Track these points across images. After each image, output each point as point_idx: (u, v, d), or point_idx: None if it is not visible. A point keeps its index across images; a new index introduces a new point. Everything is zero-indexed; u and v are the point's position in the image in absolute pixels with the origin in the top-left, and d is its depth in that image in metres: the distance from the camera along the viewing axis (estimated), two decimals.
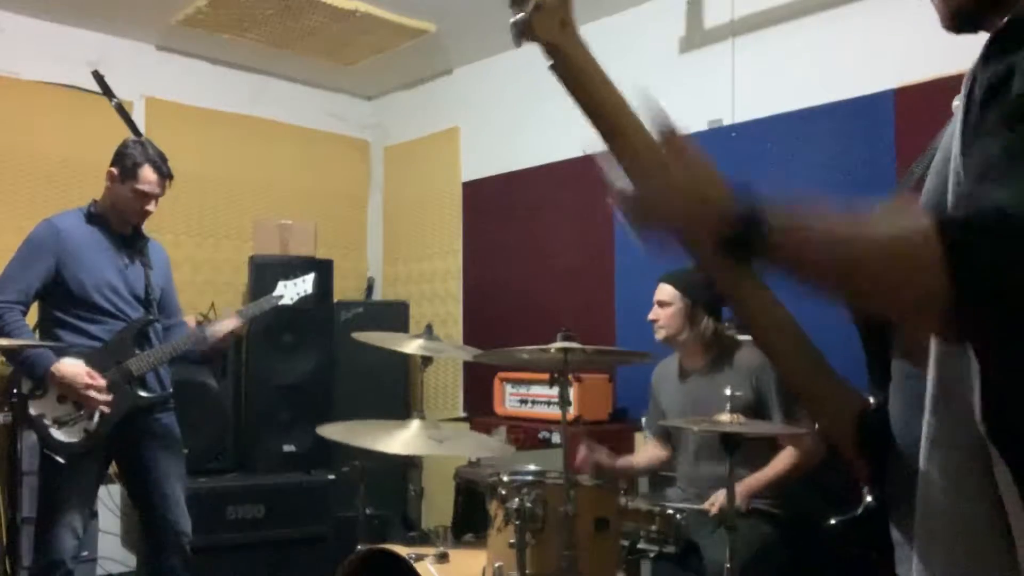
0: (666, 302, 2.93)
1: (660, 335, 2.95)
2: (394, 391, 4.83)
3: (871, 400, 1.06)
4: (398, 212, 5.67)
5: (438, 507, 4.38)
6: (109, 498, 4.21)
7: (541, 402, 4.07)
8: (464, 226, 5.17)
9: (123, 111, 3.30)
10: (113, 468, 3.14)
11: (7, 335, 2.76)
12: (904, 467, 0.97)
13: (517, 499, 2.21)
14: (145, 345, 3.03)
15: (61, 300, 2.94)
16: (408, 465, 4.40)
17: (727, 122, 3.81)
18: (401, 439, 2.39)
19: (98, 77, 3.36)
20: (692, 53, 4.06)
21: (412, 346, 2.76)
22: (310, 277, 3.32)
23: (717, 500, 2.60)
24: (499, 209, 4.95)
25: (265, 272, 4.30)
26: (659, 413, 3.06)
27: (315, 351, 4.56)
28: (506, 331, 4.54)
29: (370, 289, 5.71)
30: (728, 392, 2.44)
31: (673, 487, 3.03)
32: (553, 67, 0.94)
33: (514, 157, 4.86)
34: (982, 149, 0.85)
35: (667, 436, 3.08)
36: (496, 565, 2.26)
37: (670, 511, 2.56)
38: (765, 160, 3.65)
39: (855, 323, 1.08)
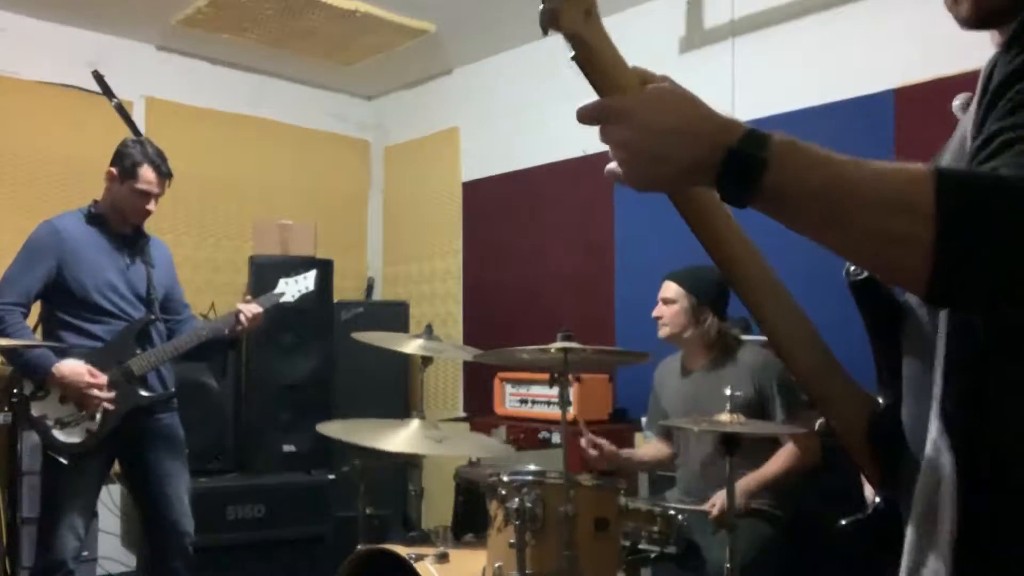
0: (671, 299, 2.93)
1: (664, 333, 2.95)
2: (394, 391, 4.83)
3: (881, 401, 1.06)
4: (398, 212, 5.67)
5: (438, 507, 4.38)
6: (109, 498, 4.21)
7: (541, 402, 4.07)
8: (464, 226, 5.17)
9: (123, 111, 3.30)
10: (115, 468, 3.15)
11: (8, 337, 2.76)
12: (915, 468, 0.97)
13: (517, 499, 2.21)
14: (147, 344, 3.03)
15: (63, 301, 2.94)
16: (408, 465, 4.39)
17: None
18: (401, 439, 2.40)
19: (98, 77, 3.36)
20: (692, 53, 4.06)
21: (412, 346, 2.76)
22: (312, 274, 3.31)
23: (718, 501, 2.60)
24: (499, 209, 4.95)
25: (265, 272, 4.30)
26: (661, 411, 3.06)
27: (315, 351, 4.57)
28: (506, 331, 4.54)
29: (370, 289, 5.71)
30: (728, 391, 2.44)
31: (673, 487, 3.03)
32: (575, 58, 0.92)
33: (514, 157, 4.86)
34: (989, 130, 0.85)
35: (669, 434, 3.09)
36: (496, 565, 2.26)
37: (671, 511, 2.56)
38: None
39: (864, 319, 1.07)
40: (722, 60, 3.91)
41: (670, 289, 2.94)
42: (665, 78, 0.93)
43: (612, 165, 0.92)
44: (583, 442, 2.86)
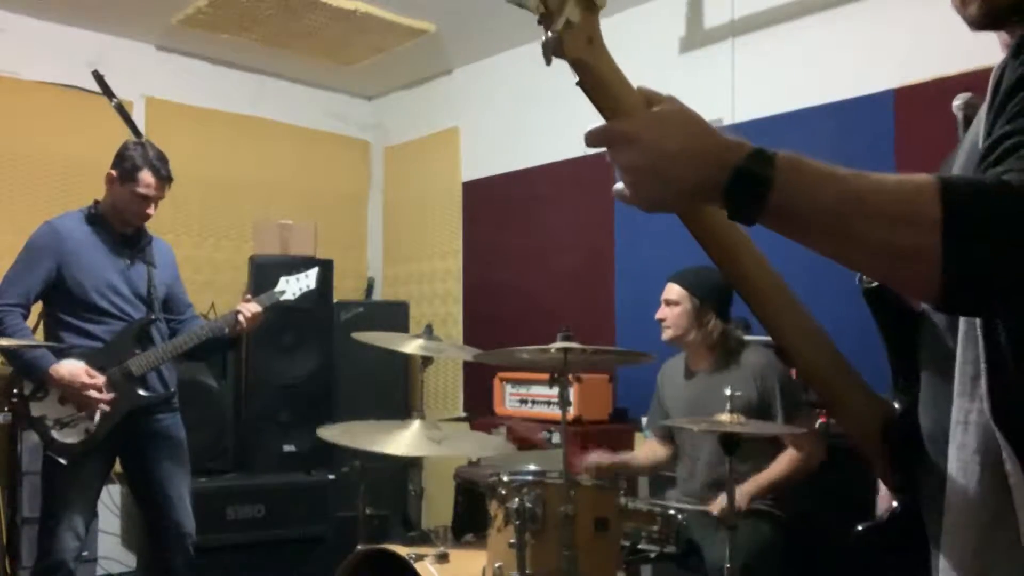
0: (674, 301, 2.92)
1: (667, 335, 2.94)
2: (394, 391, 4.83)
3: (896, 405, 1.06)
4: (398, 212, 5.67)
5: (438, 507, 4.38)
6: (109, 498, 4.21)
7: (541, 402, 4.07)
8: (464, 226, 5.17)
9: (123, 111, 3.31)
10: (115, 468, 3.15)
11: (8, 337, 2.76)
12: (934, 471, 0.96)
13: (517, 499, 2.21)
14: (147, 344, 3.03)
15: (63, 302, 2.94)
16: (408, 465, 4.40)
17: (727, 122, 3.81)
18: (401, 440, 2.40)
19: (98, 77, 3.36)
20: (692, 53, 4.06)
21: (412, 346, 2.75)
22: (313, 272, 3.30)
23: (719, 503, 2.59)
24: (499, 209, 4.95)
25: (265, 272, 4.29)
26: (663, 412, 3.06)
27: (315, 351, 4.57)
28: (506, 331, 4.54)
29: (370, 289, 5.71)
30: (728, 392, 2.44)
31: (673, 487, 3.03)
32: (580, 83, 0.93)
33: (514, 157, 4.86)
34: (996, 134, 0.85)
35: (669, 435, 3.08)
36: (496, 565, 2.26)
37: (671, 511, 2.56)
38: None
39: (879, 325, 1.07)
40: (722, 60, 3.90)
41: (673, 291, 2.94)
42: (671, 98, 0.94)
43: (619, 186, 0.92)
44: (585, 464, 2.85)
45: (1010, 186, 0.79)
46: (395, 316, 4.94)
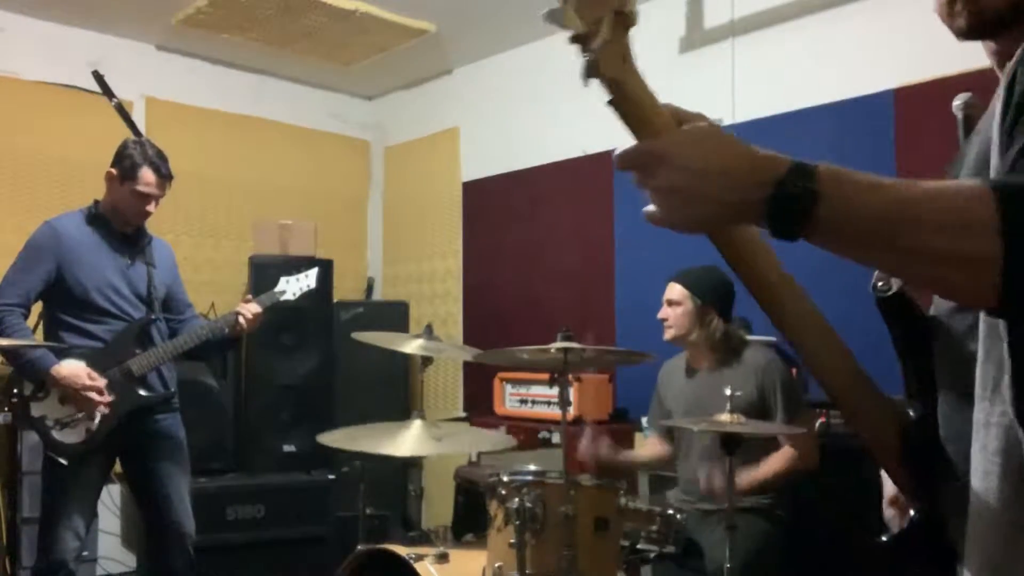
0: (676, 301, 2.92)
1: (669, 335, 2.94)
2: (394, 391, 4.83)
3: (912, 414, 1.05)
4: (398, 212, 5.67)
5: (438, 507, 4.38)
6: (109, 498, 4.21)
7: (541, 402, 4.07)
8: (464, 226, 5.17)
9: (123, 111, 3.31)
10: (116, 468, 3.14)
11: (8, 337, 2.76)
12: (955, 476, 0.96)
13: (517, 499, 2.21)
14: (147, 344, 3.02)
15: (63, 302, 2.94)
16: (408, 465, 4.39)
17: (727, 122, 3.81)
18: (402, 441, 2.40)
19: (98, 77, 3.36)
20: (692, 53, 4.06)
21: (412, 346, 2.75)
22: (313, 272, 3.29)
23: (710, 479, 2.58)
24: (499, 209, 4.95)
25: (265, 272, 4.30)
26: (663, 411, 3.06)
27: (315, 351, 4.57)
28: (506, 331, 4.54)
29: (370, 289, 5.71)
30: (729, 391, 2.44)
31: (673, 487, 3.03)
32: (611, 102, 0.91)
33: (514, 157, 4.86)
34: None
35: (670, 434, 3.08)
36: (496, 565, 2.26)
37: (670, 511, 2.55)
38: None
39: (893, 334, 1.06)
40: (722, 60, 3.90)
41: (675, 291, 2.94)
42: (701, 116, 0.92)
43: (650, 207, 0.90)
44: (582, 445, 2.85)
45: None
46: (395, 316, 4.94)
